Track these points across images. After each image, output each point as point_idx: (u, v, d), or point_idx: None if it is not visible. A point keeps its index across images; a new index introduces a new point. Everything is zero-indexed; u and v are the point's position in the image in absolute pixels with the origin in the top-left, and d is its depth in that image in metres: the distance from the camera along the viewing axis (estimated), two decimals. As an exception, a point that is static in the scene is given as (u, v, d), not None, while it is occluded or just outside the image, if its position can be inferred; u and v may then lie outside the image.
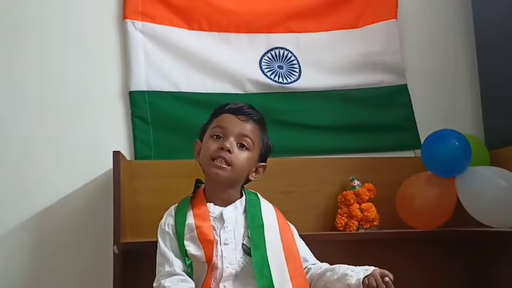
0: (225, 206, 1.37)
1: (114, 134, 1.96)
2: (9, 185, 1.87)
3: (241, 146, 1.37)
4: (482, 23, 2.18)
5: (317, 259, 1.42)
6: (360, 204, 1.87)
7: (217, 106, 1.47)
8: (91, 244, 1.86)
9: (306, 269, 1.37)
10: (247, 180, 1.44)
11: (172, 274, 1.28)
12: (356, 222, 1.85)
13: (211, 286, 1.28)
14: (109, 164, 1.66)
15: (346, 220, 1.87)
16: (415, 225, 1.82)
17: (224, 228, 1.33)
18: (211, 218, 1.34)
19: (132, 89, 1.98)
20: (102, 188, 1.88)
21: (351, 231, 1.84)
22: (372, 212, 1.85)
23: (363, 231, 1.85)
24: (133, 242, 1.65)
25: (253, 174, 1.42)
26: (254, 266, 1.27)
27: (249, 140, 1.38)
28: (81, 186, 1.90)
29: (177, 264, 1.29)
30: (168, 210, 1.40)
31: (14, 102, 1.92)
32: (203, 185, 1.43)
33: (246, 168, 1.39)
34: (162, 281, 1.27)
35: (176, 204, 1.40)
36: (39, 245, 1.85)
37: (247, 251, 1.31)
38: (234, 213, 1.36)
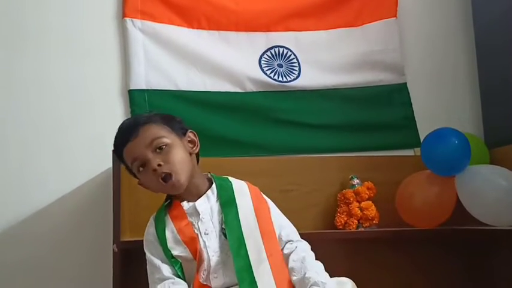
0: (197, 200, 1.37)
1: (114, 132, 1.94)
2: (9, 183, 1.87)
3: (160, 148, 1.31)
4: (482, 21, 2.18)
5: (317, 258, 1.41)
6: (359, 202, 1.87)
7: None
8: (90, 242, 1.87)
9: (287, 249, 1.34)
10: (197, 158, 1.42)
11: (163, 279, 1.29)
12: (355, 221, 1.85)
13: (201, 280, 1.28)
14: (109, 163, 1.66)
15: (345, 219, 1.87)
16: (415, 223, 1.83)
17: (201, 220, 1.33)
18: (187, 214, 1.34)
19: (131, 88, 1.98)
20: (101, 187, 1.88)
21: (350, 229, 1.85)
22: (372, 210, 1.85)
23: (363, 229, 1.85)
24: (133, 240, 1.65)
25: (192, 147, 1.39)
26: (230, 247, 1.28)
27: (158, 140, 1.32)
28: (80, 185, 1.90)
29: (166, 269, 1.30)
30: (149, 221, 1.40)
31: (14, 101, 1.92)
32: None
33: (184, 157, 1.34)
34: None
35: (154, 213, 1.41)
36: (38, 243, 1.85)
37: (226, 234, 1.31)
38: (208, 204, 1.35)
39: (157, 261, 1.31)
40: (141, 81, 1.99)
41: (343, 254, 1.87)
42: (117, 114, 1.98)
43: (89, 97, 1.97)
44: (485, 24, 2.16)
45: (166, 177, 1.30)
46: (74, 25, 2.01)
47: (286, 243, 1.35)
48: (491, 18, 2.12)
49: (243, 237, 1.29)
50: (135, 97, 1.98)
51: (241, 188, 1.40)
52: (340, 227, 1.87)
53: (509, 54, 1.98)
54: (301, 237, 1.43)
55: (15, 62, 1.95)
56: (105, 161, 1.75)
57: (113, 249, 1.57)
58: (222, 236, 1.32)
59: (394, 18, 2.22)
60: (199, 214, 1.34)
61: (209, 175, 1.43)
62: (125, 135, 1.37)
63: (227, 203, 1.35)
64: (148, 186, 1.37)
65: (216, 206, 1.35)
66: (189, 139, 1.40)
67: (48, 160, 1.90)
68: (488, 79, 2.15)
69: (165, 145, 1.32)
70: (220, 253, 1.30)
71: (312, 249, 1.42)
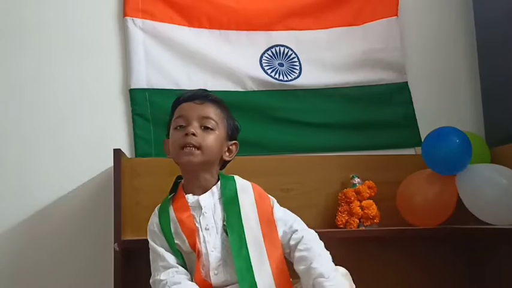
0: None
1: (115, 131, 1.97)
2: (10, 183, 1.87)
3: (206, 128, 1.37)
4: (483, 20, 2.18)
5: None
6: (360, 201, 1.87)
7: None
8: (92, 242, 1.87)
9: (293, 240, 1.33)
10: (224, 163, 1.45)
11: (167, 267, 1.30)
12: (356, 220, 1.85)
13: (202, 275, 1.29)
14: (110, 162, 1.67)
15: (346, 218, 1.87)
16: (416, 222, 1.83)
17: (203, 214, 1.34)
18: (190, 207, 1.35)
19: (132, 87, 1.98)
20: (102, 186, 1.88)
21: (351, 228, 1.85)
22: (373, 209, 1.85)
23: (364, 228, 1.85)
24: (134, 239, 1.65)
25: (227, 154, 1.43)
26: (231, 246, 1.28)
27: (211, 120, 1.38)
28: (81, 184, 1.90)
29: (170, 258, 1.31)
30: (154, 211, 1.41)
31: (14, 101, 1.92)
32: (182, 180, 1.44)
33: (216, 149, 1.38)
34: (157, 276, 1.29)
35: (159, 204, 1.42)
36: (40, 242, 1.85)
37: (227, 231, 1.31)
38: (212, 200, 1.36)
39: (161, 250, 1.33)
40: (142, 80, 1.99)
41: (344, 253, 1.85)
42: (117, 113, 1.98)
43: (89, 96, 1.97)
44: (486, 22, 2.16)
45: (192, 147, 1.34)
46: (75, 24, 2.01)
47: (292, 234, 1.34)
48: (492, 16, 2.11)
49: (244, 237, 1.29)
50: (136, 96, 1.98)
51: (244, 187, 1.40)
52: (341, 226, 1.87)
53: (510, 53, 1.98)
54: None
55: (15, 62, 1.95)
56: (106, 160, 1.75)
57: (114, 248, 1.57)
58: (224, 233, 1.32)
59: (395, 17, 2.22)
60: (201, 208, 1.34)
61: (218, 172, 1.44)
62: (193, 95, 1.43)
63: (229, 200, 1.35)
64: (171, 147, 1.40)
65: (219, 202, 1.36)
66: (230, 146, 1.44)
67: (49, 159, 1.90)
68: (489, 78, 2.15)
69: (211, 129, 1.38)
70: (221, 250, 1.31)
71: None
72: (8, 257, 1.83)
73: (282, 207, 1.42)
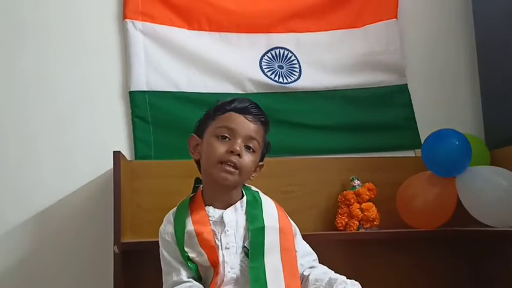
0: (225, 208, 1.32)
1: (115, 134, 1.97)
2: (9, 186, 1.87)
3: (248, 148, 1.32)
4: (482, 22, 2.18)
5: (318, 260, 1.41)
6: (360, 204, 1.87)
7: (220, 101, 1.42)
8: (91, 244, 1.86)
9: (307, 271, 1.34)
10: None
11: (180, 282, 1.25)
12: (356, 222, 1.85)
13: None
14: (109, 164, 1.66)
15: (346, 220, 1.87)
16: (416, 225, 1.83)
17: (225, 232, 1.28)
18: (210, 222, 1.29)
19: (132, 89, 1.98)
20: (102, 188, 1.88)
21: (351, 231, 1.84)
22: (373, 211, 1.85)
23: (364, 231, 1.85)
24: (134, 241, 1.65)
25: (253, 173, 1.39)
26: (250, 270, 1.24)
27: (255, 142, 1.34)
28: (81, 186, 1.90)
29: (184, 273, 1.26)
30: (167, 215, 1.36)
31: (13, 102, 1.92)
32: (201, 185, 1.39)
33: (251, 171, 1.35)
34: None
35: (175, 209, 1.36)
36: (39, 245, 1.85)
37: (247, 253, 1.27)
38: (235, 216, 1.31)
39: (176, 264, 1.27)
40: (142, 82, 1.99)
41: (344, 255, 1.87)
42: (117, 116, 1.98)
43: (89, 98, 1.97)
44: (486, 24, 2.16)
45: (232, 166, 1.28)
46: (75, 26, 2.01)
47: (308, 267, 1.35)
48: (491, 18, 2.12)
49: (264, 262, 1.25)
50: (136, 98, 1.98)
51: (270, 209, 1.36)
52: (341, 228, 1.87)
53: (510, 55, 1.98)
54: (303, 239, 1.43)
55: (15, 62, 1.94)
56: (105, 163, 1.75)
57: (114, 251, 1.57)
58: (242, 253, 1.28)
59: (395, 19, 2.22)
60: (224, 226, 1.29)
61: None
62: (246, 109, 1.36)
63: (254, 222, 1.31)
64: (206, 155, 1.33)
65: (242, 220, 1.31)
66: (258, 166, 1.40)
67: (49, 162, 1.90)
68: (488, 80, 2.15)
69: (252, 151, 1.34)
70: (237, 270, 1.27)
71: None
72: (8, 259, 1.83)
73: (300, 236, 1.40)
